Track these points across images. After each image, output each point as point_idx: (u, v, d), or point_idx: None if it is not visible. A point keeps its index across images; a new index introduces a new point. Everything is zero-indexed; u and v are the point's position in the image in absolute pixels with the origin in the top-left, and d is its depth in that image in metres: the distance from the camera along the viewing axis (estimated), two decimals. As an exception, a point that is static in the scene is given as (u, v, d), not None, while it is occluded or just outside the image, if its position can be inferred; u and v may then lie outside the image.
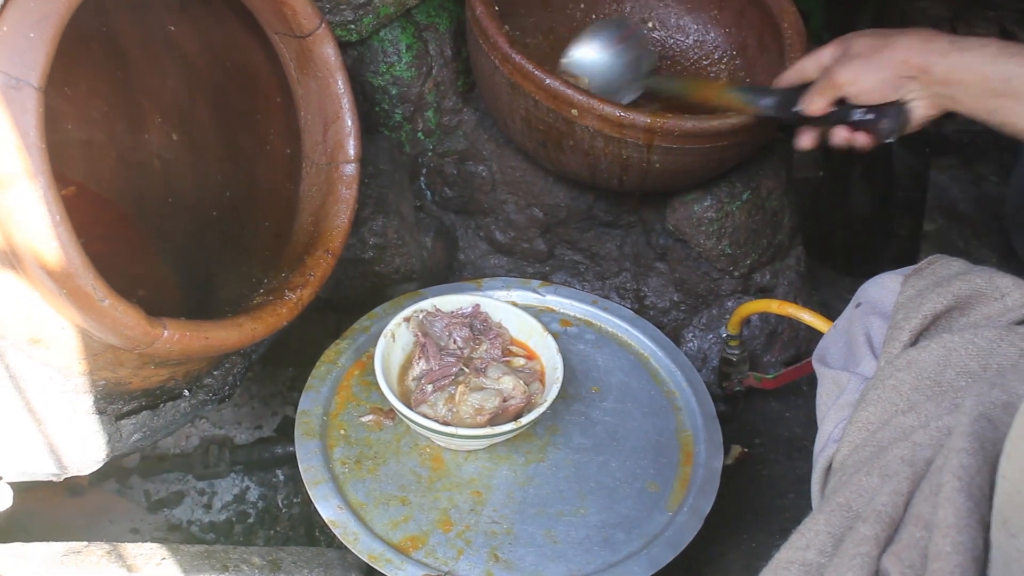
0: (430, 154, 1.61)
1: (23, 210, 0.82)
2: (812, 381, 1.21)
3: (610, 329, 1.35)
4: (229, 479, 1.53)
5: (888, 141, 1.08)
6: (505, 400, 1.10)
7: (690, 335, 1.59)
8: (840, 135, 1.12)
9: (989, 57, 0.98)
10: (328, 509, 1.07)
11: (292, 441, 1.49)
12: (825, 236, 2.08)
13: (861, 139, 1.11)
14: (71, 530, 1.34)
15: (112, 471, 1.47)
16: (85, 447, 1.02)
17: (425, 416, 1.08)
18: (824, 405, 0.99)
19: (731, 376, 1.48)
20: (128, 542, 1.10)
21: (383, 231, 1.48)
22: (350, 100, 1.22)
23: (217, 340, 1.02)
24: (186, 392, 1.14)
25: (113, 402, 1.04)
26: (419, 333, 1.17)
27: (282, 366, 1.66)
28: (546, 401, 1.10)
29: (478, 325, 1.19)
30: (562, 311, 1.37)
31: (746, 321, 1.47)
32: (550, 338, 1.17)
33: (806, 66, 1.17)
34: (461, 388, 1.11)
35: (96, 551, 1.07)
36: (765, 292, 1.62)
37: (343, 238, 1.22)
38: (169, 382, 1.09)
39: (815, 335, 1.69)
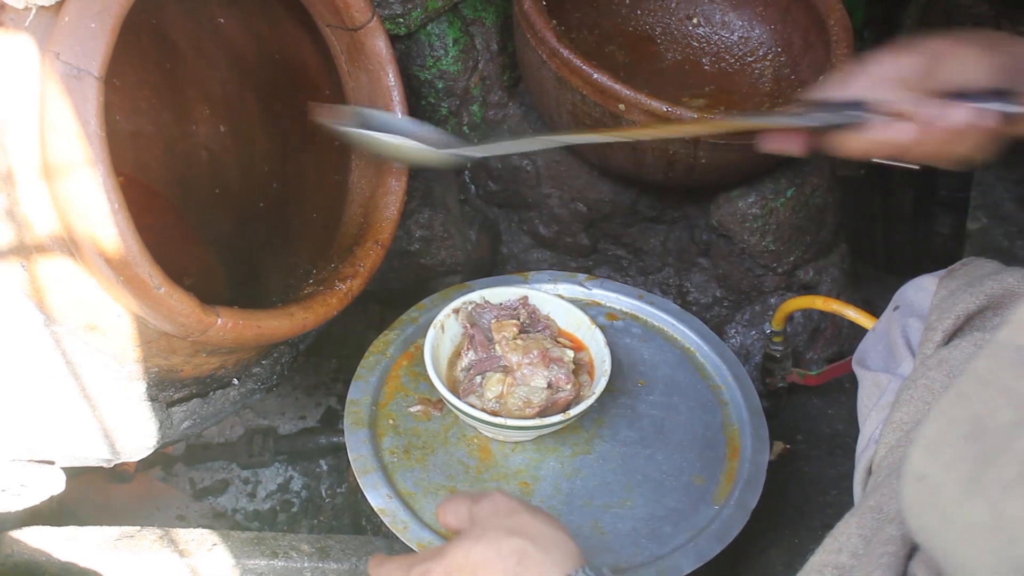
0: (475, 147, 1.60)
1: (83, 197, 0.83)
2: (854, 379, 1.21)
3: (656, 323, 1.35)
4: (273, 468, 1.55)
5: None
6: (554, 392, 1.11)
7: (733, 331, 1.59)
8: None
9: None
10: (377, 498, 1.08)
11: (335, 431, 1.52)
12: (867, 235, 2.06)
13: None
14: (119, 516, 1.36)
15: (158, 459, 1.49)
16: (137, 433, 1.04)
17: (473, 407, 1.09)
18: (865, 407, 0.99)
19: (774, 372, 1.48)
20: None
21: (429, 223, 1.49)
22: (401, 93, 1.22)
23: (269, 329, 1.02)
24: (235, 381, 1.15)
25: (165, 389, 1.05)
26: (468, 324, 1.18)
27: (326, 357, 1.68)
28: (594, 393, 1.10)
29: (526, 317, 1.19)
30: (608, 305, 1.37)
31: (789, 317, 1.46)
32: (598, 331, 1.17)
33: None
34: (509, 380, 1.11)
35: (149, 536, 1.08)
36: (808, 289, 1.61)
37: (392, 229, 1.23)
38: (220, 370, 1.10)
39: (858, 332, 1.68)
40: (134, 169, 1.43)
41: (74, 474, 1.15)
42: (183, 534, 1.10)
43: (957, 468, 0.56)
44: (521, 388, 1.11)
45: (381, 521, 1.07)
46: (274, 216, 1.39)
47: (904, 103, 0.90)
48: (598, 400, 1.11)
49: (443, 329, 1.17)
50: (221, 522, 1.45)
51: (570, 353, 1.14)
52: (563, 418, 1.07)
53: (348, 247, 1.21)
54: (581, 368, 1.15)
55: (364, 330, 1.63)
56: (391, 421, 1.18)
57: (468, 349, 1.16)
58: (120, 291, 0.89)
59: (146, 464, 1.48)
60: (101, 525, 1.12)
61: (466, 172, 1.63)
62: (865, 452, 0.94)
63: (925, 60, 0.92)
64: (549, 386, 1.11)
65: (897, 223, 2.06)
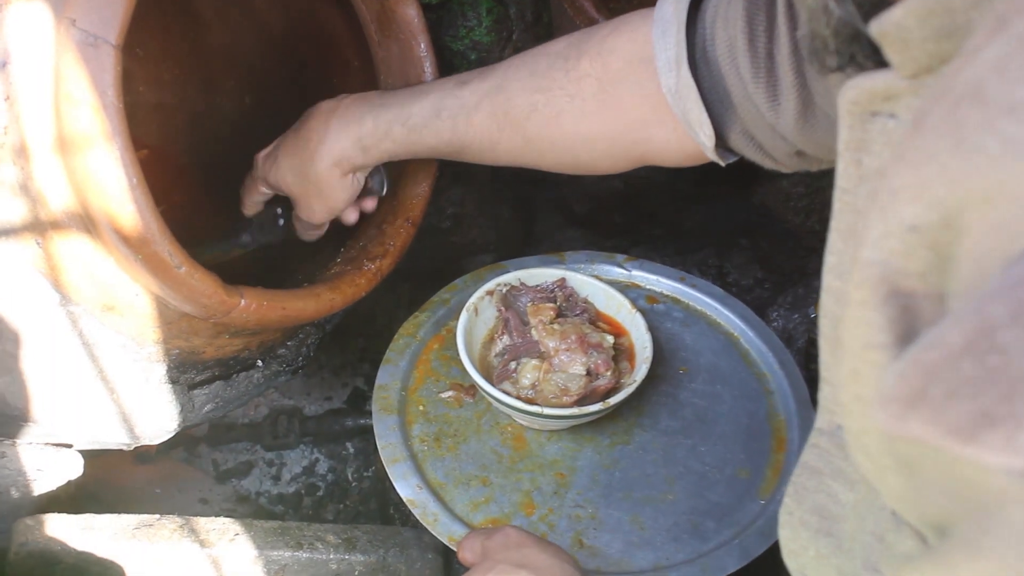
0: (508, 122, 1.55)
1: (99, 172, 0.79)
2: None
3: (698, 307, 1.29)
4: (298, 451, 1.51)
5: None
6: (592, 379, 1.05)
7: (775, 315, 1.53)
8: (351, 216, 1.12)
9: (402, 139, 0.97)
10: (407, 488, 1.03)
11: (362, 413, 1.48)
12: None
13: (368, 204, 1.12)
14: (140, 499, 1.32)
15: (180, 440, 1.44)
16: (157, 416, 1.00)
17: (507, 394, 1.04)
18: None
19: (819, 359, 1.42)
20: (199, 515, 1.08)
21: (461, 201, 1.44)
22: (433, 63, 1.17)
23: (294, 310, 0.98)
24: (259, 363, 1.11)
25: (186, 371, 1.01)
26: (502, 307, 1.12)
27: (353, 336, 1.63)
28: (635, 381, 1.04)
29: (563, 300, 1.14)
30: (648, 287, 1.31)
31: (837, 301, 1.40)
32: (639, 315, 1.11)
33: (253, 205, 1.17)
34: (546, 366, 1.06)
35: (168, 525, 1.04)
36: None
37: (423, 207, 1.18)
38: (243, 352, 1.06)
39: None
40: (157, 142, 1.38)
41: (93, 455, 1.12)
42: (204, 523, 1.06)
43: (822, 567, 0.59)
44: (558, 375, 1.05)
45: (410, 510, 1.02)
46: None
47: None
48: (638, 387, 1.06)
49: (476, 312, 1.12)
50: (244, 506, 1.41)
51: (610, 338, 1.08)
52: (602, 407, 1.02)
53: (378, 225, 1.17)
54: (621, 354, 1.10)
55: (393, 309, 1.59)
56: (421, 407, 1.13)
57: (503, 333, 1.11)
58: (138, 270, 0.84)
59: (168, 445, 1.43)
60: (121, 507, 1.08)
61: (499, 148, 1.57)
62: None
63: None
64: (588, 373, 1.06)
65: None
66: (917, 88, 0.45)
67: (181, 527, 1.04)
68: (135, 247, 0.82)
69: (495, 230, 1.50)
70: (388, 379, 1.15)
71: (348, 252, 1.14)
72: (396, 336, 1.20)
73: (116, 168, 0.79)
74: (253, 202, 1.15)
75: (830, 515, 0.59)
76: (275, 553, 1.04)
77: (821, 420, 0.58)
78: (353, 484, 1.48)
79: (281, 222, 1.16)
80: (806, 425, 1.13)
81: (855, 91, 0.48)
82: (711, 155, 0.84)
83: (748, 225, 1.50)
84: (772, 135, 0.78)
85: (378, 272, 1.10)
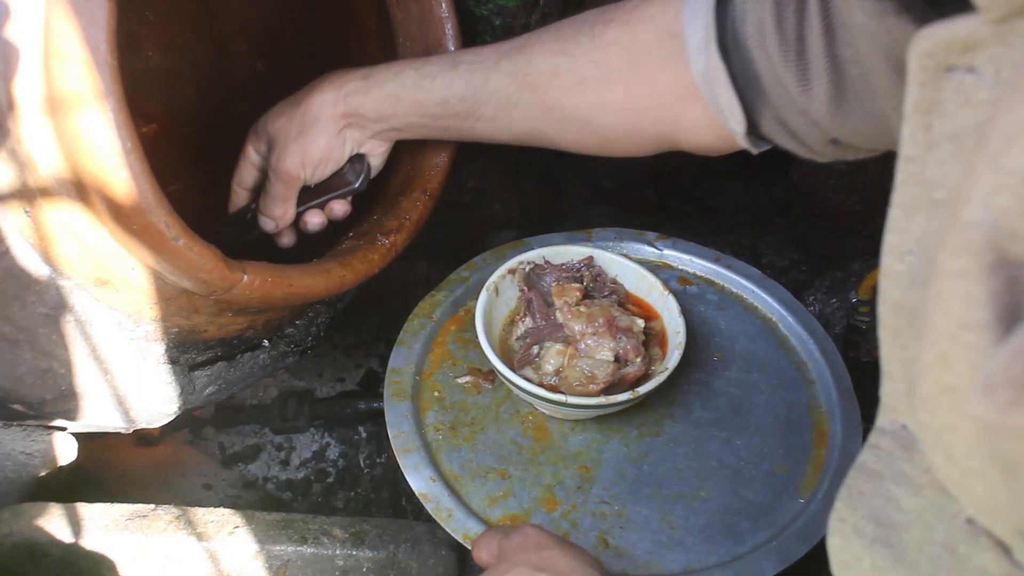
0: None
1: (91, 134, 0.72)
2: None
3: (734, 290, 1.21)
4: (308, 434, 1.44)
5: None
6: (621, 366, 0.98)
7: (811, 299, 1.45)
8: (315, 220, 1.03)
9: (411, 84, 0.90)
10: (419, 481, 0.97)
11: (376, 396, 1.41)
12: None
13: (338, 208, 1.03)
14: (141, 483, 1.27)
15: (185, 421, 1.40)
16: (155, 399, 0.94)
17: (529, 381, 0.96)
18: None
19: (859, 346, 1.34)
20: (201, 501, 1.02)
21: (483, 173, 1.37)
22: (454, 26, 1.10)
23: (302, 287, 0.92)
24: (266, 343, 1.05)
25: (186, 351, 0.95)
26: (525, 287, 1.05)
27: (367, 315, 1.57)
28: (667, 369, 0.97)
29: (590, 280, 1.06)
30: (681, 268, 1.23)
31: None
32: (671, 298, 1.04)
33: (244, 179, 1.06)
34: (571, 351, 0.99)
35: (164, 516, 0.98)
36: None
37: (442, 178, 1.11)
38: (248, 331, 1.00)
39: None
40: (167, 110, 1.32)
41: (93, 437, 1.06)
42: (202, 514, 1.00)
43: None
44: (584, 361, 0.98)
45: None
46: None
47: None
48: (669, 375, 0.99)
49: (497, 292, 1.05)
50: (251, 492, 1.35)
51: (640, 322, 1.01)
52: (631, 397, 0.95)
53: (393, 197, 1.10)
54: (652, 339, 1.03)
55: (409, 287, 1.51)
56: (436, 393, 1.06)
57: (525, 315, 1.04)
58: (133, 242, 0.78)
59: (173, 427, 1.38)
60: (120, 493, 1.06)
61: (524, 118, 1.51)
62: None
63: None
64: (616, 359, 0.98)
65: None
66: (1005, 35, 0.38)
67: (177, 518, 0.98)
68: (129, 217, 0.76)
69: (518, 205, 1.43)
70: (402, 362, 1.08)
71: (361, 226, 1.07)
72: (411, 316, 1.13)
73: (108, 130, 0.73)
74: (241, 180, 1.07)
75: (890, 523, 0.53)
76: (278, 547, 0.98)
77: (883, 419, 0.52)
78: (365, 471, 1.42)
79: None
80: (850, 418, 1.06)
81: (929, 42, 0.42)
82: (742, 142, 0.78)
83: (784, 204, 1.42)
84: (805, 121, 0.72)
85: (392, 247, 1.03)
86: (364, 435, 1.45)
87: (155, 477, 1.30)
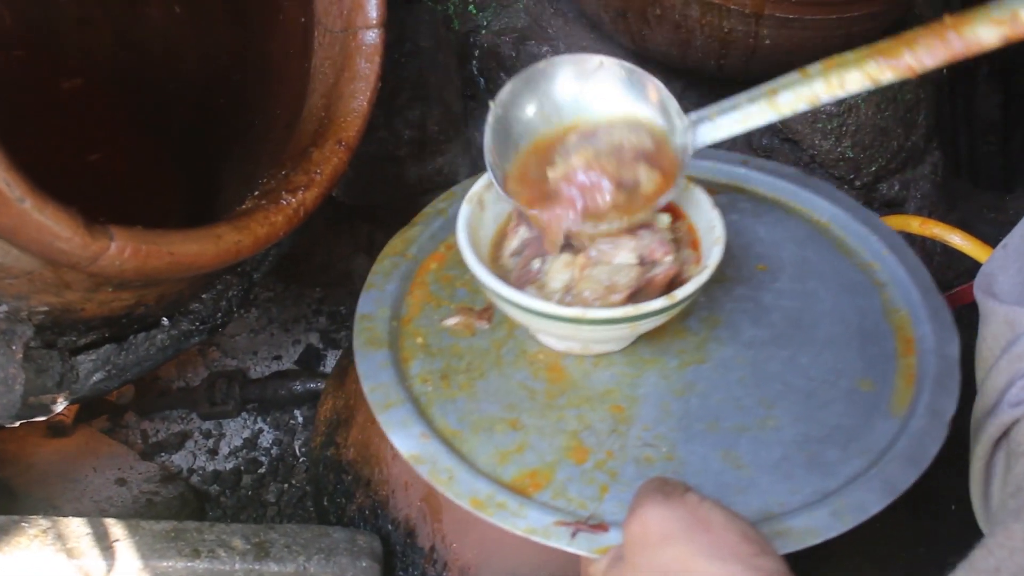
0: (484, 32, 1.35)
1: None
2: (966, 315, 0.90)
3: (770, 193, 1.00)
4: (239, 420, 1.33)
5: None
6: (647, 269, 0.77)
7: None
8: None
9: None
10: (407, 440, 0.75)
11: (314, 375, 1.29)
12: (949, 143, 1.78)
13: None
14: (46, 479, 1.11)
15: (104, 407, 1.27)
16: (24, 389, 0.78)
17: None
18: (991, 351, 0.73)
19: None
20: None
21: (421, 122, 1.21)
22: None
23: (187, 256, 0.76)
24: (164, 321, 0.92)
25: (64, 333, 0.81)
26: (516, 194, 0.84)
27: (307, 285, 1.43)
28: (708, 266, 0.76)
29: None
30: (702, 177, 1.00)
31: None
32: (698, 189, 0.83)
33: None
34: (582, 259, 0.77)
35: (29, 529, 0.83)
36: (893, 206, 1.35)
37: (360, 125, 0.95)
38: (137, 308, 0.86)
39: (955, 262, 1.39)
40: (82, 63, 1.19)
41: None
42: (75, 526, 0.85)
43: None
44: (600, 268, 0.77)
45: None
46: (236, 115, 1.12)
47: None
48: (706, 294, 0.77)
49: (481, 205, 0.84)
50: (170, 486, 1.18)
51: (665, 217, 0.81)
52: (668, 303, 0.73)
53: (304, 148, 0.93)
54: (681, 241, 0.81)
55: (352, 254, 1.40)
56: (419, 340, 0.85)
57: (518, 225, 0.82)
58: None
59: (90, 414, 1.25)
60: (22, 490, 0.97)
61: (473, 62, 1.36)
62: (994, 415, 0.70)
63: None
64: (640, 262, 0.77)
65: (983, 130, 1.78)
66: None
67: (45, 531, 0.83)
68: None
69: (467, 159, 1.28)
70: (373, 307, 0.87)
71: (267, 183, 0.90)
72: (380, 257, 0.92)
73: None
74: None
75: None
76: (165, 563, 0.85)
77: None
78: (301, 460, 1.28)
79: None
80: (939, 318, 0.85)
81: None
82: None
83: (768, 151, 1.31)
84: None
85: (300, 207, 0.87)
86: (300, 420, 1.33)
87: (63, 471, 1.14)
